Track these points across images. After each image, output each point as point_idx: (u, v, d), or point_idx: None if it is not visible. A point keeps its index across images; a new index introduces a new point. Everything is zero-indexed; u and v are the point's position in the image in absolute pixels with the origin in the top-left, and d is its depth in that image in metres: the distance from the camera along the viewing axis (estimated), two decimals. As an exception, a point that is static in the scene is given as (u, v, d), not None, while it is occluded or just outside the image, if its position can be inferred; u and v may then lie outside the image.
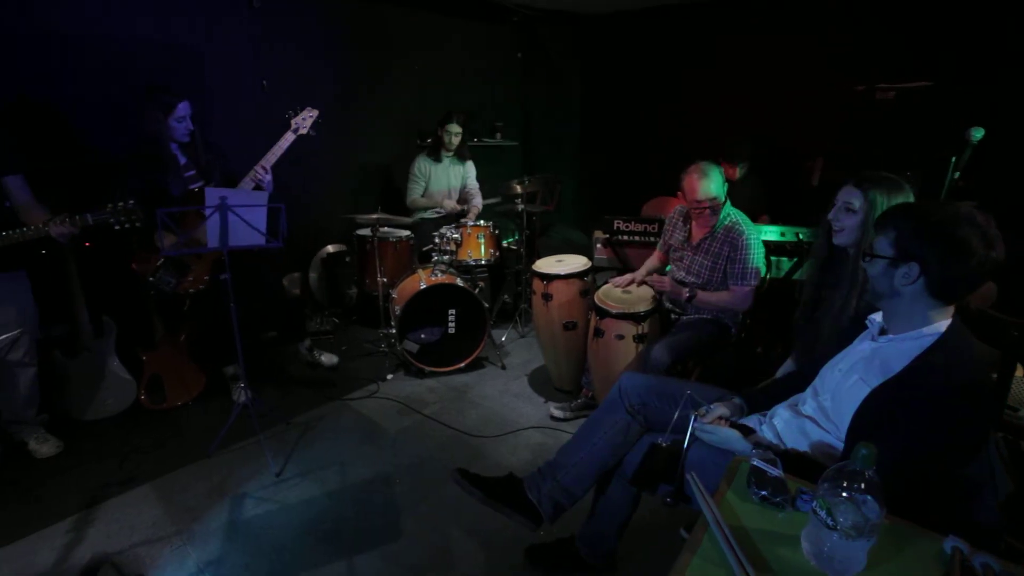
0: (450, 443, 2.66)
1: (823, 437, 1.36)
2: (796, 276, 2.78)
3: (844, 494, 0.92)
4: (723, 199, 2.38)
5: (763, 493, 1.10)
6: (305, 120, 2.74)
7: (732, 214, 2.43)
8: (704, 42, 4.56)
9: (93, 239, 2.77)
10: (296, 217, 2.63)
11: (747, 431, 1.50)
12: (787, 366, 1.93)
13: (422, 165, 3.98)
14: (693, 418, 1.51)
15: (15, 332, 1.68)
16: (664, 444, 1.51)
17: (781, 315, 2.75)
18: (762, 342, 2.72)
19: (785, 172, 3.99)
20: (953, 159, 2.32)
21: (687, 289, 2.43)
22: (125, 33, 3.03)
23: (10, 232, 2.18)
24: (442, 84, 4.72)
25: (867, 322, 1.40)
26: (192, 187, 2.61)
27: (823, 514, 0.93)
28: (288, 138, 2.71)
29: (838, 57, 3.80)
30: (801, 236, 2.79)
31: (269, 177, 2.72)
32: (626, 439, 1.72)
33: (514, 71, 5.42)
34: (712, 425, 1.50)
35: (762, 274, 2.45)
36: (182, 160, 2.65)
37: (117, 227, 2.30)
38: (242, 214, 2.30)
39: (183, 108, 2.53)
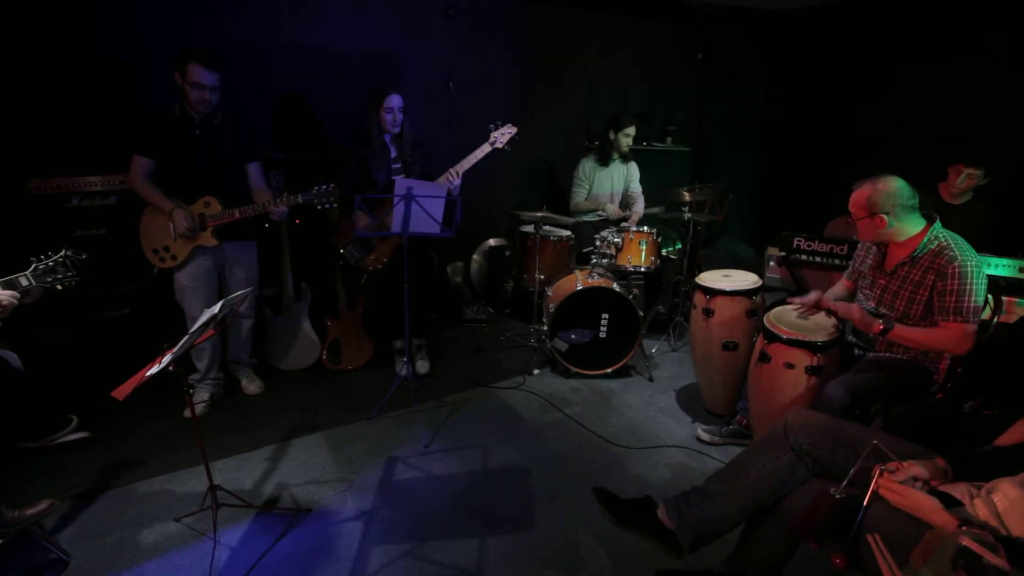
0: (589, 446, 2.64)
1: (1068, 531, 1.08)
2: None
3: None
4: (883, 213, 2.00)
5: (975, 582, 0.91)
6: (504, 135, 2.87)
7: (941, 236, 2.02)
8: (922, 34, 3.91)
9: (301, 217, 3.25)
10: (464, 209, 2.78)
11: (951, 502, 1.26)
12: (1017, 433, 1.57)
13: (587, 168, 3.99)
14: (879, 473, 1.31)
15: (248, 289, 2.05)
16: (838, 495, 1.33)
17: (1007, 368, 2.27)
18: (975, 398, 2.25)
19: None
20: None
21: (880, 321, 2.08)
22: (347, 43, 3.49)
23: (245, 207, 2.64)
24: (615, 86, 4.68)
25: None
26: (394, 178, 2.87)
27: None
28: (484, 149, 2.85)
29: None
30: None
31: (458, 182, 2.88)
32: (790, 479, 1.55)
33: (691, 73, 5.17)
34: (903, 486, 1.28)
35: (982, 312, 2.02)
36: (392, 152, 2.93)
37: (319, 207, 2.67)
38: (424, 204, 2.51)
39: (393, 100, 2.80)
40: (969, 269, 1.93)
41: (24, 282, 1.80)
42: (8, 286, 1.76)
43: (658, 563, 1.88)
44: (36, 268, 1.85)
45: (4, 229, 2.66)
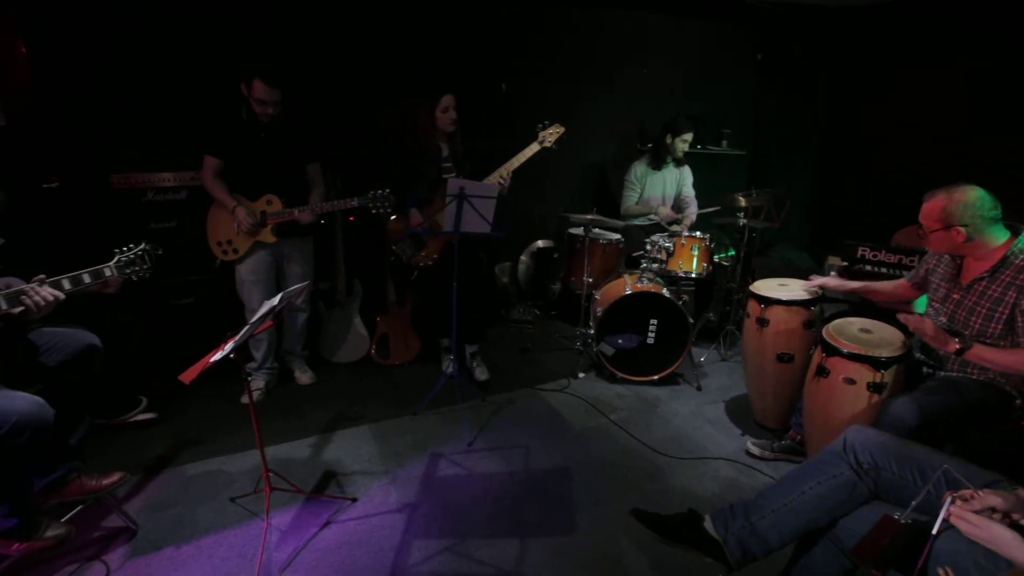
0: (633, 453, 2.59)
1: None
2: None
3: None
4: (960, 225, 1.86)
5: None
6: (551, 134, 2.88)
7: None
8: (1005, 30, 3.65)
9: (355, 215, 3.34)
10: (513, 210, 2.78)
11: (1034, 536, 1.16)
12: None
13: (639, 172, 3.93)
14: (951, 500, 1.23)
15: (304, 283, 2.14)
16: (903, 520, 1.25)
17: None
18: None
19: None
20: None
21: (957, 340, 1.94)
22: (401, 44, 3.57)
23: (303, 209, 2.75)
24: (670, 87, 4.58)
25: None
26: (445, 176, 2.90)
27: None
28: (533, 148, 2.87)
29: None
30: None
31: (508, 182, 2.89)
32: (849, 499, 1.48)
33: (749, 74, 5.01)
34: (979, 516, 1.19)
35: None
36: (444, 151, 2.98)
37: (373, 211, 2.74)
38: (476, 204, 2.53)
39: (447, 99, 2.84)
40: None
41: (107, 272, 1.91)
42: (96, 276, 1.88)
43: (702, 573, 1.82)
44: (119, 260, 1.94)
45: (91, 221, 2.87)
